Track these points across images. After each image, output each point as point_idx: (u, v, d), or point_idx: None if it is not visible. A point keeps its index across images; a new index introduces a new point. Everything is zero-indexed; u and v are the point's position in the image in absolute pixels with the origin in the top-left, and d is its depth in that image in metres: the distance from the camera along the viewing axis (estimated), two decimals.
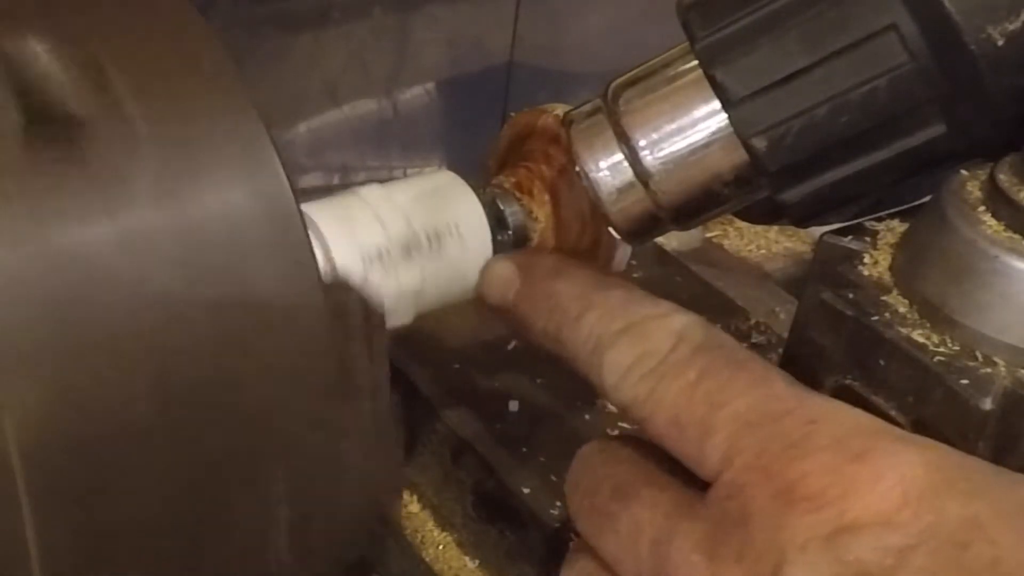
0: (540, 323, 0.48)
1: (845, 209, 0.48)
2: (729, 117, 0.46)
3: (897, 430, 0.39)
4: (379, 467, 0.56)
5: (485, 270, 0.53)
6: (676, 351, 0.42)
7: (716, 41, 0.45)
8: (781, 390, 0.40)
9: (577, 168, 0.51)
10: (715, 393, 0.40)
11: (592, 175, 0.50)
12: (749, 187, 0.48)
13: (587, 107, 0.51)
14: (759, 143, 0.45)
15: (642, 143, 0.48)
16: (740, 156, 0.47)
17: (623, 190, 0.50)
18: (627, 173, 0.49)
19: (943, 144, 0.44)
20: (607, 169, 0.50)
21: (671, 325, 0.43)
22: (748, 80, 0.45)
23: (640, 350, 0.43)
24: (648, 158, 0.49)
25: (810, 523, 0.36)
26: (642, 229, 0.51)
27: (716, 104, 0.46)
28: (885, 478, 0.36)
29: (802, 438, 0.38)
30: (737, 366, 0.41)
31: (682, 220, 0.50)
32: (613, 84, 0.50)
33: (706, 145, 0.47)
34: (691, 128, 0.48)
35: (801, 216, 0.48)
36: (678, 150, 0.48)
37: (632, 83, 0.50)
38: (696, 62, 0.47)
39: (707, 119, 0.47)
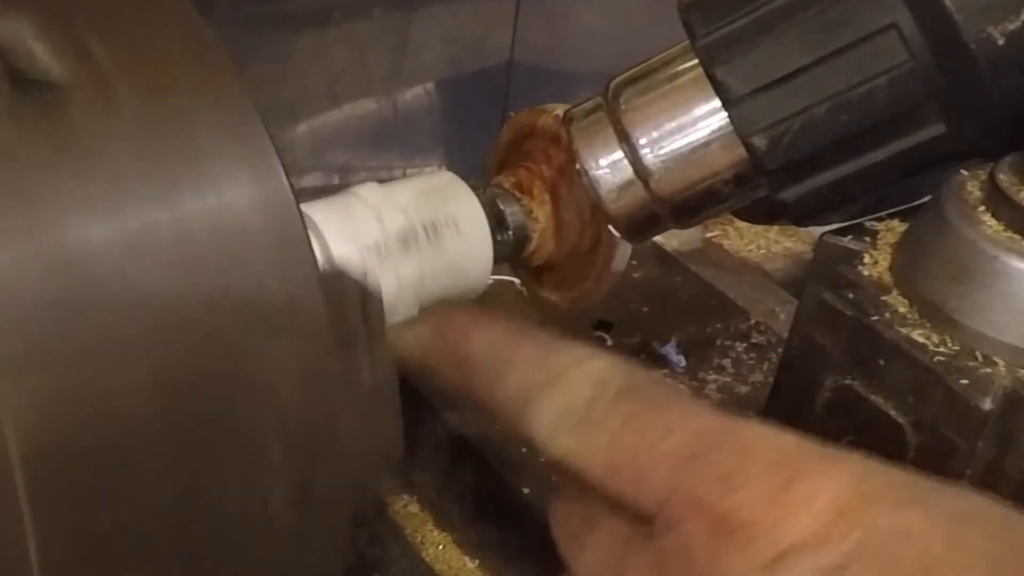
0: (461, 383, 0.48)
1: (844, 208, 0.48)
2: (729, 115, 0.46)
3: (824, 450, 0.39)
4: (379, 430, 0.56)
5: (397, 334, 0.52)
6: (598, 399, 0.42)
7: (717, 40, 0.46)
8: (708, 423, 0.40)
9: (577, 166, 0.51)
10: (643, 436, 0.41)
11: (592, 173, 0.50)
12: (749, 185, 0.48)
13: (587, 105, 0.51)
14: (759, 141, 0.45)
15: (642, 141, 0.49)
16: (740, 154, 0.47)
17: (623, 188, 0.50)
18: (627, 171, 0.49)
19: (943, 144, 0.44)
20: (607, 167, 0.50)
21: (590, 373, 0.43)
22: (748, 79, 0.45)
23: (564, 403, 0.43)
24: (648, 156, 0.49)
25: (747, 555, 0.36)
26: (642, 227, 0.51)
27: (716, 102, 0.46)
28: (815, 500, 0.36)
29: (733, 470, 0.38)
30: (661, 407, 0.42)
31: (682, 218, 0.50)
32: (614, 82, 0.50)
33: (706, 143, 0.48)
34: (691, 126, 0.48)
35: (801, 215, 0.48)
36: (678, 148, 0.48)
37: (632, 81, 0.50)
38: (697, 60, 0.47)
39: (707, 117, 0.47)
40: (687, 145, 0.48)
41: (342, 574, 0.49)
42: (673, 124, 0.48)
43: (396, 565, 0.65)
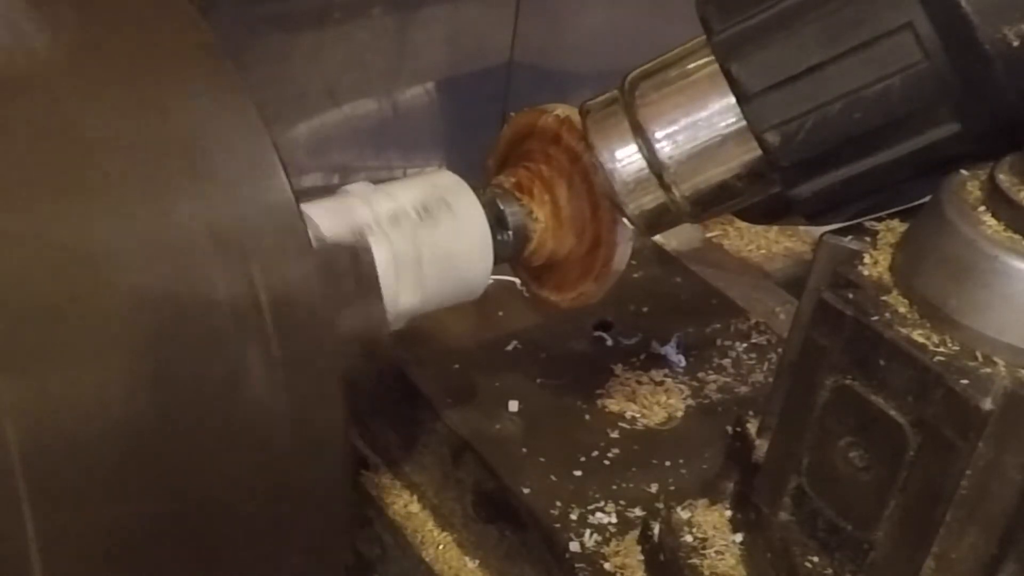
0: None
1: (856, 206, 0.48)
2: (743, 111, 0.46)
3: None
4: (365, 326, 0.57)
5: None
6: None
7: (733, 35, 0.46)
8: None
9: (593, 159, 0.51)
10: None
11: (607, 166, 0.50)
12: (762, 181, 0.48)
13: (604, 97, 0.52)
14: (772, 137, 0.45)
15: (657, 135, 0.49)
16: (754, 150, 0.47)
17: (638, 181, 0.50)
18: (642, 164, 0.50)
19: (955, 143, 0.44)
20: (622, 160, 0.50)
21: None
22: (763, 75, 0.45)
23: None
24: (663, 150, 0.49)
25: None
26: (656, 220, 0.52)
27: (731, 98, 0.47)
28: None
29: None
30: None
31: (695, 212, 0.51)
32: (630, 76, 0.50)
33: (721, 138, 0.48)
34: (706, 121, 0.48)
35: (812, 212, 0.48)
36: (693, 143, 0.48)
37: (648, 75, 0.50)
38: (713, 56, 0.47)
39: (722, 113, 0.48)
40: (701, 140, 0.48)
41: (343, 573, 0.49)
42: (688, 119, 0.48)
43: (396, 565, 0.65)
